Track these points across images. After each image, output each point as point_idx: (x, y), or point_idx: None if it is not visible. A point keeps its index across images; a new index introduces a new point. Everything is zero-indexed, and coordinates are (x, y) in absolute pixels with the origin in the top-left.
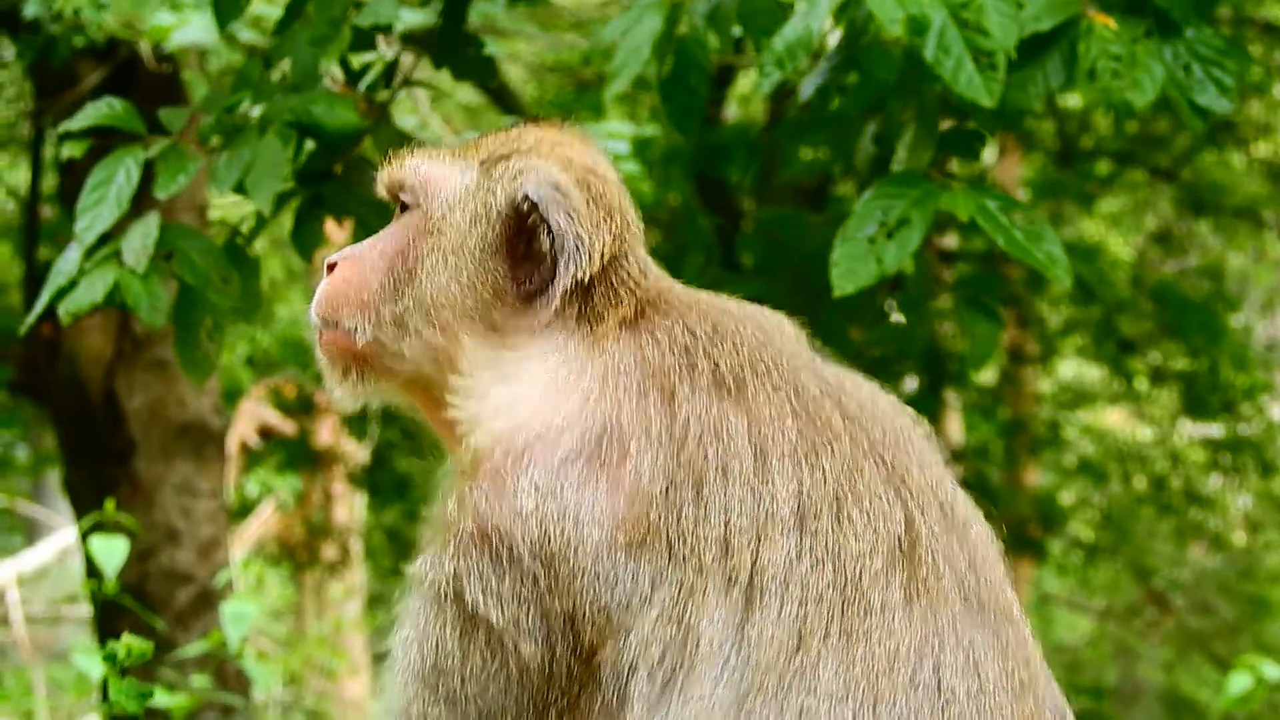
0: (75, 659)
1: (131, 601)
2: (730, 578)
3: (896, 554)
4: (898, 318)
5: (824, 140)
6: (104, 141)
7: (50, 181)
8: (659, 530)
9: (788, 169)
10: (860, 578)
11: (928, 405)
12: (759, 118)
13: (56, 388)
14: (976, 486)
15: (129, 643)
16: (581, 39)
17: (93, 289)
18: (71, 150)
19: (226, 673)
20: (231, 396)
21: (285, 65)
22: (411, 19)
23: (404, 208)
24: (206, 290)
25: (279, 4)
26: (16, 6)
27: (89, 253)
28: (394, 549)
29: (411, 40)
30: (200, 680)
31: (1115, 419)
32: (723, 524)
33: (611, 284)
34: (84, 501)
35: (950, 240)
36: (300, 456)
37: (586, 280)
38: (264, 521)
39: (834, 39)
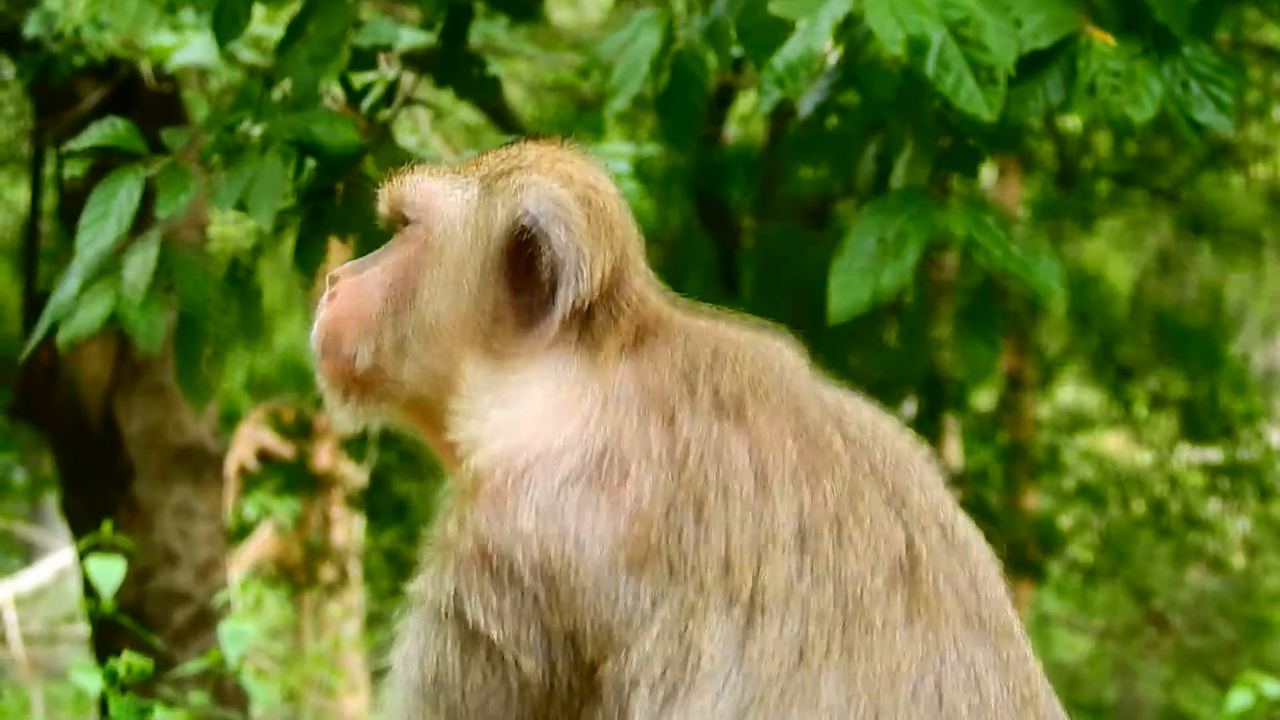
0: (74, 676)
1: (129, 621)
2: (731, 596)
3: (897, 573)
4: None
5: (825, 159)
6: (105, 161)
7: (50, 200)
8: (660, 550)
9: (788, 186)
10: (861, 596)
11: (927, 429)
12: (759, 138)
13: (55, 412)
14: (976, 510)
15: (129, 660)
16: (581, 59)
17: (91, 316)
18: (73, 169)
19: (225, 690)
20: (230, 420)
21: (286, 85)
22: (412, 39)
23: (404, 223)
24: (206, 321)
25: (280, 24)
26: (17, 25)
27: (89, 273)
28: (392, 570)
29: (414, 60)
30: (199, 698)
31: (1114, 444)
32: (724, 544)
33: (612, 305)
34: (82, 524)
35: (949, 271)
36: (299, 480)
37: (587, 303)
38: (262, 543)
39: (833, 57)
